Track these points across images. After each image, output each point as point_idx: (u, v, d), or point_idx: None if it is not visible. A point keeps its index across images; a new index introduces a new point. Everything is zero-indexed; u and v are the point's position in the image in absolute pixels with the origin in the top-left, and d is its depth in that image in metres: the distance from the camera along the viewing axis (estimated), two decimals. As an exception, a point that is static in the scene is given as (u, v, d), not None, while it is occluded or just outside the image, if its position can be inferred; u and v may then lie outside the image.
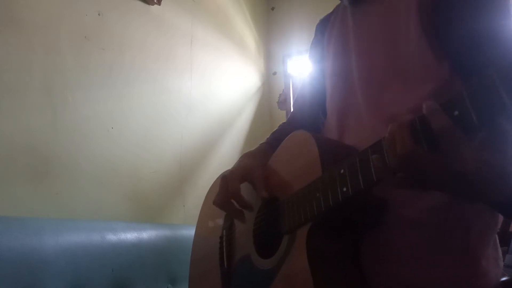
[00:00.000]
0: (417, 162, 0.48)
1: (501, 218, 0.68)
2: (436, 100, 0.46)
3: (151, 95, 1.90)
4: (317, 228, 0.65)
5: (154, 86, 1.93)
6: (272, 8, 3.06)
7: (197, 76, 2.21)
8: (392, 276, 0.64)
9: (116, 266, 1.21)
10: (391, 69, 0.72)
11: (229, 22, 2.60)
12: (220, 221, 0.94)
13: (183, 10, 2.16)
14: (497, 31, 0.61)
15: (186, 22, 2.19)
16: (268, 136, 1.00)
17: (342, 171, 0.59)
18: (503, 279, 0.67)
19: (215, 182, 1.02)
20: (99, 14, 1.67)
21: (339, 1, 0.91)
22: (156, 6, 1.95)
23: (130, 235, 1.32)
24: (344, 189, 0.58)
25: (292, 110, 1.09)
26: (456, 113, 0.44)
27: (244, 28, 2.76)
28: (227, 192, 0.80)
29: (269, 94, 2.95)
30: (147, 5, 1.92)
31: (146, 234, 1.40)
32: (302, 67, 2.82)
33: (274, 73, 2.98)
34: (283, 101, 2.88)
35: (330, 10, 0.97)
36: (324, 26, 0.95)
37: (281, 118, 2.75)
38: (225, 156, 2.31)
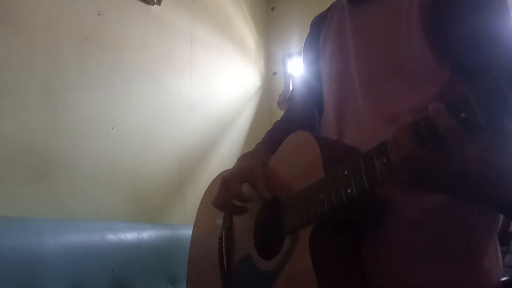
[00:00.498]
0: (421, 163, 0.47)
1: (501, 218, 0.68)
2: (437, 101, 0.46)
3: (151, 95, 1.90)
4: (320, 228, 0.65)
5: (154, 86, 1.93)
6: (272, 8, 3.06)
7: (197, 76, 2.21)
8: (393, 277, 0.64)
9: (116, 266, 1.21)
10: (391, 69, 0.72)
11: (229, 22, 2.59)
12: (219, 222, 0.93)
13: (183, 10, 2.16)
14: (498, 31, 0.61)
15: (186, 22, 2.19)
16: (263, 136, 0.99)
17: (346, 172, 0.59)
18: (503, 279, 0.67)
19: (212, 183, 1.02)
20: (99, 14, 1.67)
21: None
22: (156, 6, 1.95)
23: (130, 235, 1.32)
24: (349, 190, 0.58)
25: (286, 108, 1.09)
26: (462, 115, 0.44)
27: (244, 28, 2.76)
28: (229, 193, 0.79)
29: (269, 94, 2.95)
30: (147, 5, 1.92)
31: (146, 234, 1.39)
32: (302, 66, 2.82)
33: (274, 73, 2.98)
34: (283, 101, 2.88)
35: (326, 9, 0.96)
36: (320, 25, 0.94)
37: (281, 118, 2.74)
38: (225, 156, 2.31)
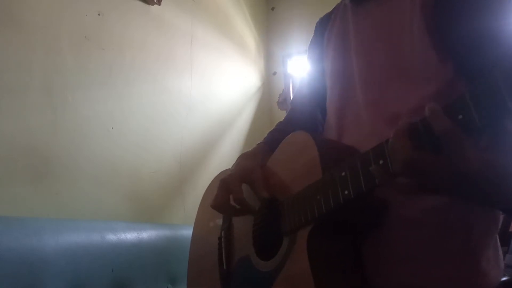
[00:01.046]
0: (420, 165, 0.47)
1: (501, 218, 0.68)
2: (438, 101, 0.46)
3: (151, 95, 1.90)
4: (318, 229, 0.65)
5: (154, 86, 1.93)
6: (272, 8, 3.06)
7: (197, 76, 2.21)
8: (393, 277, 0.64)
9: (116, 266, 1.21)
10: (392, 68, 0.72)
11: (229, 22, 2.59)
12: (218, 222, 0.93)
13: (183, 10, 2.16)
14: (499, 31, 0.61)
15: (186, 22, 2.19)
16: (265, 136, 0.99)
17: (343, 173, 0.58)
18: (503, 279, 0.67)
19: (212, 183, 1.01)
20: (99, 14, 1.67)
21: (340, 0, 0.91)
22: (156, 6, 1.95)
23: (130, 235, 1.32)
24: (346, 192, 0.57)
25: (289, 109, 1.08)
26: (460, 116, 0.44)
27: (244, 28, 2.76)
28: (228, 194, 0.79)
29: (269, 94, 2.95)
30: (147, 5, 1.92)
31: (146, 234, 1.39)
32: (302, 67, 2.82)
33: (274, 73, 2.98)
34: (283, 101, 2.88)
35: (330, 10, 0.97)
36: (324, 25, 0.94)
37: (281, 118, 2.69)
38: (225, 156, 2.31)
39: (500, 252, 0.68)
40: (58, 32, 1.51)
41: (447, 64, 0.65)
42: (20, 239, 0.99)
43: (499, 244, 0.69)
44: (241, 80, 2.68)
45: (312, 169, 0.67)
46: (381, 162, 0.51)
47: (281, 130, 0.96)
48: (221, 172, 0.99)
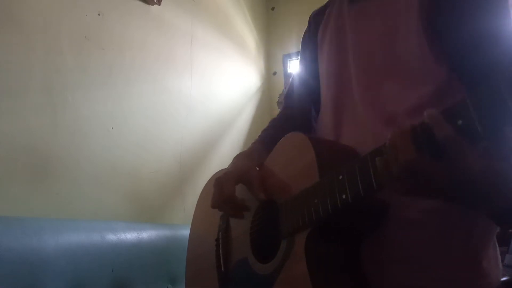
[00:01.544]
0: (419, 169, 0.46)
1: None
2: (435, 99, 0.46)
3: (151, 95, 1.90)
4: (316, 233, 0.64)
5: (154, 86, 1.93)
6: (272, 8, 3.06)
7: (197, 76, 2.21)
8: (393, 277, 0.64)
9: (116, 266, 1.21)
10: (389, 67, 0.72)
11: (229, 22, 2.59)
12: (216, 223, 0.92)
13: (183, 10, 2.16)
14: (497, 31, 0.61)
15: (186, 22, 2.19)
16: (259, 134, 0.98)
17: (340, 177, 0.58)
18: (503, 279, 0.67)
19: (208, 182, 1.01)
20: (99, 14, 1.67)
21: None
22: (156, 6, 1.95)
23: (130, 235, 1.32)
24: (343, 196, 0.57)
25: (283, 106, 1.07)
26: (459, 122, 0.43)
27: (244, 28, 2.76)
28: (222, 194, 0.78)
29: (269, 94, 2.94)
30: (147, 5, 1.92)
31: (146, 234, 1.40)
32: (299, 63, 2.81)
33: (274, 73, 2.98)
34: (283, 101, 2.87)
35: (325, 3, 0.94)
36: (318, 20, 0.92)
37: (281, 118, 2.74)
38: (225, 156, 2.31)
39: (498, 252, 0.68)
40: (58, 32, 1.51)
41: (443, 64, 0.65)
42: (20, 239, 0.99)
43: (497, 244, 0.69)
44: (241, 80, 2.68)
45: (309, 171, 0.66)
46: (379, 164, 0.50)
47: (275, 127, 0.95)
48: (217, 172, 0.98)
